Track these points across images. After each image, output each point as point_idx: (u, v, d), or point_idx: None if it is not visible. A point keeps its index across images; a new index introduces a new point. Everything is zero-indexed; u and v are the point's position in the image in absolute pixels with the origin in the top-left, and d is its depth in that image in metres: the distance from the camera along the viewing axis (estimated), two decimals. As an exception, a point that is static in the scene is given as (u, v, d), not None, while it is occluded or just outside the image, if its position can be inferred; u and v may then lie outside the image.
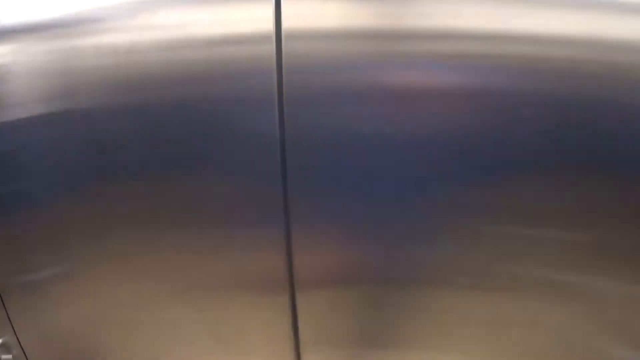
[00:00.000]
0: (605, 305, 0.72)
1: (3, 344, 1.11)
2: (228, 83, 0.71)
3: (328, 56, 0.67)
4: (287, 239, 0.72)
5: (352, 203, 0.71)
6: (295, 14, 0.67)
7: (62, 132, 0.78)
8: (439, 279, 0.74)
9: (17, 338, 1.07)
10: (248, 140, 0.71)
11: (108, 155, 0.77)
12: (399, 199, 0.70)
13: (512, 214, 0.69)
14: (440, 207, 0.70)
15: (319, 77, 0.68)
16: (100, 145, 0.77)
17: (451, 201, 0.69)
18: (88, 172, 0.80)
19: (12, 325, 1.05)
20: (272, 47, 0.68)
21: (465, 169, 0.67)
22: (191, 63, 0.71)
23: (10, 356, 1.10)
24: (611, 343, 0.75)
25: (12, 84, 0.76)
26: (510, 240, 0.70)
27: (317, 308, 0.78)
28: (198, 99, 0.72)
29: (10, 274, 0.95)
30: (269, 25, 0.68)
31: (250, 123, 0.70)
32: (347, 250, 0.75)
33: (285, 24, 0.68)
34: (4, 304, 1.03)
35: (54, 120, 0.77)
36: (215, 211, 0.76)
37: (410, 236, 0.72)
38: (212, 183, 0.75)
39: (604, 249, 0.69)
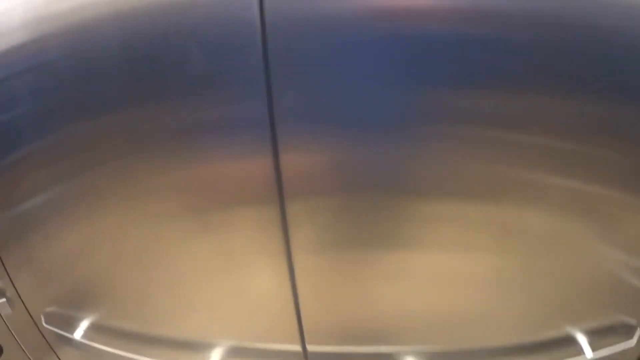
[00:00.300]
0: (595, 209, 0.76)
1: (-3, 289, 1.15)
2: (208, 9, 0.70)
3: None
4: (273, 144, 0.74)
5: (339, 105, 0.71)
6: None
7: (49, 64, 0.78)
8: (431, 184, 0.77)
9: (10, 280, 1.11)
10: (231, 50, 0.70)
11: (95, 84, 0.77)
12: (386, 101, 0.70)
13: (502, 120, 0.70)
14: (432, 111, 0.71)
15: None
16: (87, 75, 0.77)
17: (443, 106, 0.70)
18: (75, 103, 0.80)
19: (5, 268, 1.09)
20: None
21: (455, 73, 0.68)
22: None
23: (4, 299, 1.14)
24: (600, 245, 0.80)
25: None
26: (499, 145, 0.72)
27: (308, 214, 0.81)
28: (179, 26, 0.71)
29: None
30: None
31: (232, 36, 0.69)
32: (335, 154, 0.76)
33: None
34: (-5, 247, 1.06)
35: (41, 51, 0.77)
36: (201, 122, 0.76)
37: (399, 140, 0.73)
38: (197, 96, 0.75)
39: (592, 157, 0.71)
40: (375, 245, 0.83)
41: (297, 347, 0.89)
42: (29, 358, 1.37)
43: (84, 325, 1.08)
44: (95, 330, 1.07)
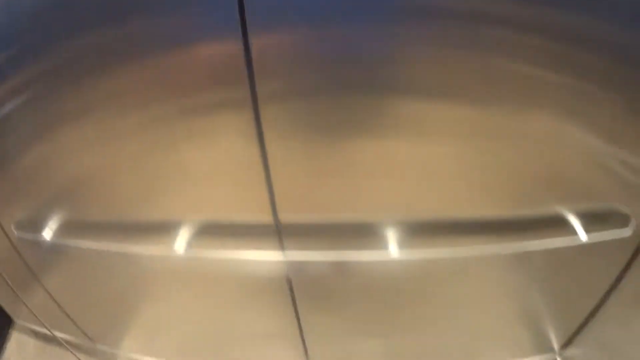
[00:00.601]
0: (574, 102, 0.73)
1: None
2: None
3: None
4: (242, 26, 0.70)
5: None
6: None
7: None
8: (407, 77, 0.73)
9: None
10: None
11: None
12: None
13: (479, 15, 0.67)
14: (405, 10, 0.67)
15: None
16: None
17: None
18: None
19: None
20: None
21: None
22: None
23: None
24: (583, 136, 0.77)
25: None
26: (478, 40, 0.68)
27: (279, 99, 0.77)
28: None
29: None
30: None
31: None
32: (308, 38, 0.71)
33: None
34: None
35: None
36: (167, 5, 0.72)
37: (375, 28, 0.69)
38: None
39: (569, 50, 0.68)
40: (349, 133, 0.80)
41: (269, 219, 0.87)
42: (12, 289, 1.36)
43: (56, 226, 1.06)
44: (68, 229, 1.05)
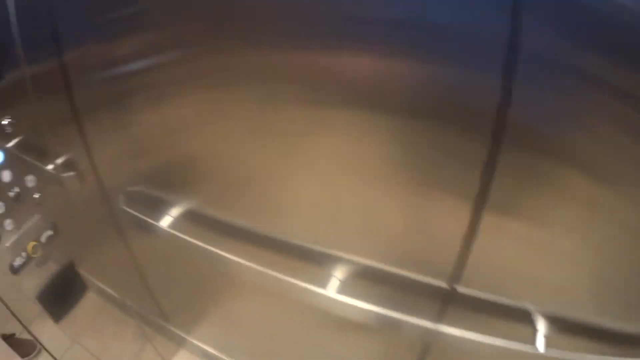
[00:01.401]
0: None
1: (67, 161, 1.02)
2: None
3: None
4: None
5: None
6: None
7: None
8: None
9: (87, 151, 0.98)
10: None
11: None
12: None
13: None
14: None
15: None
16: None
17: None
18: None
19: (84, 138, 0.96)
20: None
21: None
22: None
23: (73, 173, 1.02)
24: None
25: None
26: None
27: None
28: None
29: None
30: None
31: None
32: None
33: None
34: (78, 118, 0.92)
35: None
36: None
37: None
38: None
39: None
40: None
41: (442, 283, 0.74)
42: (88, 243, 1.27)
43: (172, 211, 0.95)
44: (184, 219, 0.94)
